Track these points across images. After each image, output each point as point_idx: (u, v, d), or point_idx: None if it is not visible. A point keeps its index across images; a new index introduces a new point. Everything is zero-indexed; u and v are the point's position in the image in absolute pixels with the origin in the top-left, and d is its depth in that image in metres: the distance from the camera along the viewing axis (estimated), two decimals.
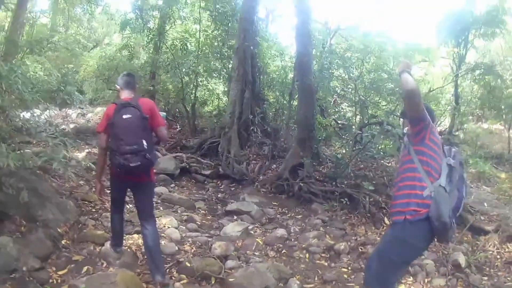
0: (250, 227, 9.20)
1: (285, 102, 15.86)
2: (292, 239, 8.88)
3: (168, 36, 19.96)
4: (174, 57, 18.60)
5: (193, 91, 19.42)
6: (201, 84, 19.97)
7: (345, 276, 7.27)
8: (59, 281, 6.06)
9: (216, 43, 19.03)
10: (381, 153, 11.88)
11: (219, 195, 11.88)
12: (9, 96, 7.18)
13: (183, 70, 18.52)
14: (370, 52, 15.57)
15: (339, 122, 17.07)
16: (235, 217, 9.95)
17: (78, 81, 24.03)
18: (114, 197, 6.28)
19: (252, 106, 14.71)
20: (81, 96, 22.59)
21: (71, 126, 19.10)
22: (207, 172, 13.35)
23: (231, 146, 13.94)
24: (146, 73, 20.70)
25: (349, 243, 8.40)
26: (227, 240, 8.22)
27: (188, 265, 6.90)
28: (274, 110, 15.86)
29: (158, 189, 10.70)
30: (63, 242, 6.98)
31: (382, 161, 12.71)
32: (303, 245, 8.44)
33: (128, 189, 6.16)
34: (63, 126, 17.47)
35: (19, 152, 6.47)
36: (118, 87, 5.93)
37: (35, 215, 7.02)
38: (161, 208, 9.77)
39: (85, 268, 6.43)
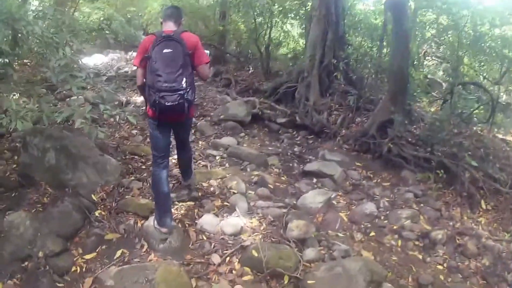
0: (332, 196, 7.26)
1: (373, 48, 13.51)
2: (382, 217, 7.01)
3: None
4: None
5: (267, 32, 17.45)
6: (275, 25, 18.05)
7: (441, 277, 5.65)
8: (83, 269, 4.89)
9: None
10: (475, 118, 10.07)
11: (295, 149, 9.91)
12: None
13: (256, 9, 16.80)
14: None
15: (428, 77, 14.57)
16: (314, 180, 8.06)
17: (143, 25, 24.55)
18: (158, 144, 5.41)
19: (335, 49, 12.41)
20: None
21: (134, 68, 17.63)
22: (282, 121, 11.37)
23: (310, 93, 11.85)
24: (216, 13, 19.60)
25: (446, 231, 6.57)
26: (305, 213, 6.54)
27: (255, 254, 5.12)
28: (359, 56, 13.55)
29: (225, 140, 9.56)
30: (96, 213, 5.78)
31: (474, 128, 10.55)
32: (395, 227, 6.66)
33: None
34: (126, 69, 17.10)
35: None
36: (161, 20, 5.31)
37: (64, 180, 5.96)
38: (227, 164, 8.16)
39: (118, 253, 5.18)
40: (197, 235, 5.70)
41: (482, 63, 13.89)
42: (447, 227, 6.80)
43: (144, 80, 5.07)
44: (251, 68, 18.00)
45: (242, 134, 10.38)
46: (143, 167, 7.34)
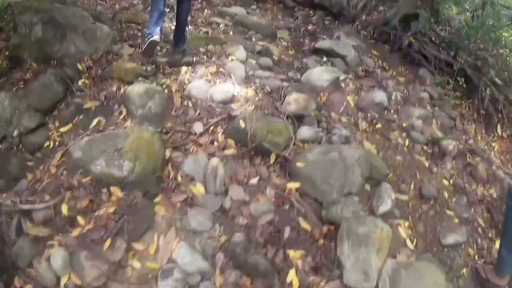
0: (341, 77, 6.33)
1: None
2: (392, 110, 6.25)
3: None
4: None
5: None
6: None
7: (446, 194, 5.11)
8: (56, 143, 4.58)
9: None
10: (503, 41, 9.04)
11: (309, 27, 8.72)
12: None
13: None
14: None
15: None
16: (324, 58, 7.08)
17: None
18: None
19: None
20: None
21: None
22: None
23: None
24: None
25: (457, 143, 5.90)
26: (309, 89, 5.57)
27: (242, 125, 4.31)
28: None
29: (232, 9, 8.37)
30: (79, 82, 5.27)
31: (501, 51, 9.62)
32: (404, 124, 5.98)
33: None
34: None
35: None
36: None
37: (51, 53, 5.41)
38: (231, 32, 7.18)
39: (95, 121, 4.73)
40: (182, 101, 4.95)
41: None
42: (459, 140, 6.13)
43: None
44: None
45: (254, 7, 9.10)
46: (139, 34, 6.40)
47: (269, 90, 5.29)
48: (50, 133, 4.64)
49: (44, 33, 5.37)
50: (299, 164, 4.02)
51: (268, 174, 4.13)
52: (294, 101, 4.89)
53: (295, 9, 9.68)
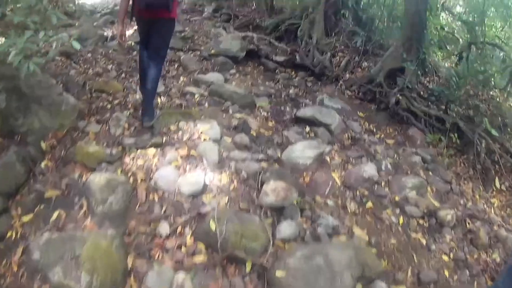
0: (326, 150, 5.78)
1: None
2: (382, 183, 5.61)
3: None
4: None
5: None
6: None
7: (446, 273, 4.54)
8: (18, 235, 3.94)
9: None
10: (492, 82, 8.85)
11: (290, 91, 8.26)
12: None
13: None
14: None
15: (445, 29, 12.87)
16: (307, 128, 6.56)
17: None
18: (141, 39, 5.62)
19: None
20: None
21: None
22: (280, 59, 9.68)
23: (314, 31, 10.20)
24: None
25: (455, 211, 5.37)
26: (290, 169, 5.23)
27: (213, 227, 3.76)
28: None
29: (210, 76, 7.79)
30: (42, 165, 4.67)
31: (491, 93, 9.41)
32: (397, 199, 5.38)
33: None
34: None
35: None
36: None
37: (14, 126, 4.89)
38: (206, 104, 6.62)
39: (55, 214, 4.11)
40: (147, 194, 4.34)
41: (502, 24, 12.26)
42: (457, 206, 5.65)
43: None
44: (254, 5, 16.20)
45: (233, 71, 8.71)
46: (108, 106, 5.92)
47: (245, 177, 4.68)
48: (12, 222, 4.05)
49: (8, 103, 4.82)
50: (278, 273, 3.37)
51: (244, 286, 3.49)
52: (272, 191, 4.27)
53: (276, 71, 9.29)
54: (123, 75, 7.37)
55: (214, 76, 7.73)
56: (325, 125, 6.52)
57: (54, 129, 5.04)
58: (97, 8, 15.27)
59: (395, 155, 6.49)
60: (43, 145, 4.81)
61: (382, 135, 7.25)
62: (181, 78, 7.70)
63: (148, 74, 5.39)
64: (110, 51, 8.57)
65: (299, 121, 6.70)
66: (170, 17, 5.34)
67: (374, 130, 7.39)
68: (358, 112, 7.85)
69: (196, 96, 6.80)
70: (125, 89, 6.59)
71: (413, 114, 7.75)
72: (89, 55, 8.18)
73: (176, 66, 8.41)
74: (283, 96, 7.89)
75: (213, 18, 14.58)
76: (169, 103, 6.39)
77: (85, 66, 7.56)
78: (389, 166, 5.97)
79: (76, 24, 11.41)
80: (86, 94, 6.11)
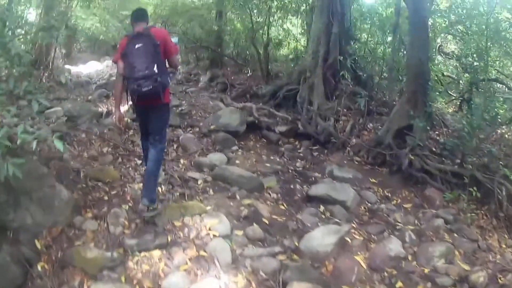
0: (345, 229, 5.37)
1: (385, 41, 11.62)
2: (409, 257, 5.25)
3: None
4: None
5: (266, 31, 15.62)
6: (275, 24, 16.51)
7: None
8: None
9: None
10: (499, 120, 8.23)
11: (297, 164, 7.99)
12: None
13: (253, 5, 15.12)
14: None
15: (445, 74, 12.78)
16: (321, 207, 6.17)
17: None
18: (140, 127, 6.08)
19: (341, 45, 10.60)
20: None
21: None
22: (282, 129, 9.43)
23: (314, 96, 9.96)
24: (212, 12, 17.92)
25: (486, 270, 5.06)
26: (311, 259, 4.82)
27: None
28: (367, 52, 11.74)
29: (212, 157, 7.52)
30: (39, 267, 4.29)
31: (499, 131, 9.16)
32: (426, 271, 5.02)
33: None
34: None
35: None
36: (130, 22, 5.82)
37: (5, 221, 4.57)
38: (211, 191, 6.23)
39: None
40: None
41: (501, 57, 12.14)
42: (486, 263, 5.33)
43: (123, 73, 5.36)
44: (249, 71, 16.29)
45: (235, 148, 8.42)
46: (105, 197, 5.57)
47: (264, 277, 4.25)
48: None
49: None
50: None
51: None
52: None
53: (279, 143, 9.04)
54: (119, 159, 7.04)
55: (216, 157, 7.45)
56: (340, 202, 6.17)
57: (48, 226, 4.71)
58: (92, 79, 15.50)
59: (416, 221, 6.21)
60: (38, 244, 4.50)
61: (399, 200, 6.94)
62: (182, 161, 7.36)
63: (149, 155, 5.53)
64: (105, 131, 8.19)
65: (312, 199, 6.35)
66: (163, 103, 5.49)
67: (390, 195, 7.08)
68: (370, 179, 7.53)
69: (199, 182, 6.46)
70: (122, 177, 6.27)
71: (428, 173, 7.38)
72: (83, 135, 7.83)
73: (175, 147, 8.09)
74: (290, 171, 7.58)
75: (209, 87, 14.56)
76: (171, 193, 6.02)
77: (79, 148, 7.26)
78: (412, 236, 5.66)
79: (70, 98, 11.28)
80: (81, 183, 5.81)
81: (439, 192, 7.05)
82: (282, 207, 6.08)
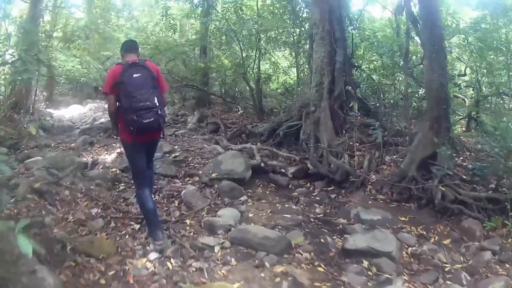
0: (398, 283, 4.78)
1: (395, 65, 11.03)
2: None
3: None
4: (228, 25, 14.61)
5: (256, 65, 15.19)
6: (263, 56, 15.91)
7: None
8: None
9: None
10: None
11: (316, 210, 7.19)
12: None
13: (241, 39, 14.61)
14: None
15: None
16: (364, 262, 5.32)
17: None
18: (138, 166, 5.56)
19: (347, 73, 9.97)
20: None
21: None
22: (291, 171, 8.68)
23: (321, 132, 9.20)
24: (195, 49, 17.80)
25: None
26: None
27: None
28: (370, 78, 11.23)
29: (223, 215, 6.42)
30: None
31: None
32: None
33: None
34: (102, 120, 15.14)
35: None
36: (121, 53, 5.76)
37: None
38: (232, 261, 5.20)
39: None
40: None
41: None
42: None
43: (118, 104, 5.24)
44: (239, 109, 15.69)
45: (244, 198, 7.44)
46: (101, 281, 4.50)
47: None
48: None
49: None
50: None
51: None
52: None
53: (290, 187, 8.30)
54: (112, 223, 5.90)
55: (228, 214, 6.44)
56: (385, 254, 5.32)
57: None
58: (75, 123, 15.16)
59: (462, 258, 5.73)
60: None
61: (436, 237, 6.32)
62: (188, 222, 6.25)
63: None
64: (92, 186, 7.13)
65: (351, 254, 5.49)
66: (161, 137, 5.73)
67: (425, 233, 6.46)
68: (399, 217, 6.83)
69: (216, 250, 5.39)
70: (119, 250, 5.16)
71: (462, 204, 6.76)
72: (67, 192, 6.60)
73: (176, 204, 7.02)
74: (312, 220, 6.75)
75: (199, 129, 13.98)
76: (185, 270, 4.94)
77: (63, 209, 6.04)
78: (467, 276, 5.19)
79: (52, 145, 10.72)
80: (69, 259, 4.68)
81: (477, 221, 6.49)
82: (321, 269, 5.16)
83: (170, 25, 16.12)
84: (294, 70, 16.10)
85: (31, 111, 13.24)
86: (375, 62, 12.06)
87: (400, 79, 10.46)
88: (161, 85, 5.43)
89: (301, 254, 5.43)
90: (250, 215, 6.73)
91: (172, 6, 17.80)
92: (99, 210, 6.37)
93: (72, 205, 6.35)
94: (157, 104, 5.11)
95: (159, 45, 16.53)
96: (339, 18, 10.33)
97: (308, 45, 11.84)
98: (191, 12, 16.29)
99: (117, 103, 5.25)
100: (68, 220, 5.76)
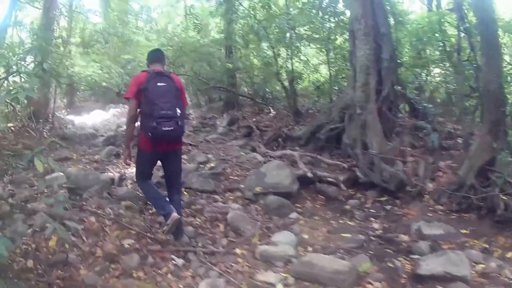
0: None
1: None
2: None
3: None
4: (258, 21, 14.23)
5: (289, 63, 14.72)
6: (295, 53, 15.20)
7: None
8: None
9: None
10: None
11: (374, 226, 6.74)
12: None
13: (271, 37, 14.10)
14: None
15: None
16: None
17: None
18: (143, 171, 5.84)
19: (393, 72, 9.54)
20: None
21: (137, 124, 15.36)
22: (339, 179, 8.25)
23: (370, 136, 8.67)
24: (221, 49, 17.46)
25: None
26: None
27: None
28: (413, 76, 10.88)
29: (277, 241, 5.84)
30: None
31: None
32: None
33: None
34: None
35: None
36: (146, 62, 6.09)
37: None
38: None
39: None
40: None
41: None
42: None
43: (140, 110, 5.48)
44: (271, 110, 15.39)
45: (294, 216, 6.91)
46: None
47: None
48: None
49: None
50: None
51: None
52: None
53: (341, 199, 7.83)
54: (149, 258, 5.21)
55: (283, 239, 5.83)
56: (460, 278, 4.94)
57: None
58: (98, 131, 14.70)
59: None
60: None
61: (499, 251, 5.88)
62: (239, 252, 5.63)
63: (174, 200, 5.74)
64: (121, 210, 6.43)
65: (424, 279, 5.11)
66: (180, 147, 6.02)
67: (488, 246, 5.99)
68: (460, 230, 6.43)
69: None
70: None
71: None
72: (93, 219, 5.93)
73: (222, 228, 6.38)
74: (372, 238, 6.28)
75: (230, 133, 13.62)
76: None
77: (90, 241, 5.40)
78: None
79: (74, 157, 10.16)
80: None
81: None
82: None
83: (194, 24, 15.78)
84: (323, 67, 15.82)
85: (50, 119, 13.01)
86: (418, 60, 11.64)
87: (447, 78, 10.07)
88: (183, 100, 5.75)
89: (372, 284, 5.00)
90: (305, 236, 6.18)
91: (195, 5, 17.61)
92: (133, 241, 5.66)
93: (100, 235, 5.71)
94: (179, 114, 5.34)
95: (183, 46, 16.28)
96: (383, 12, 9.88)
97: (348, 41, 11.34)
98: (216, 10, 15.82)
99: (138, 109, 5.50)
100: (97, 255, 5.14)
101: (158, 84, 5.37)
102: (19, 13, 14.90)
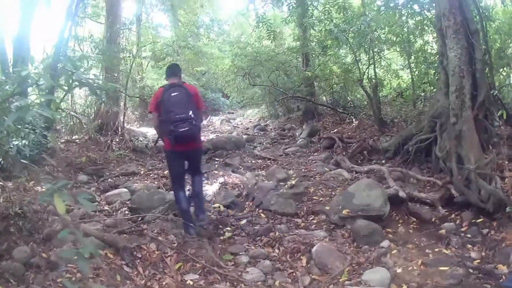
0: None
1: None
2: None
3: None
4: (336, 25, 13.65)
5: (370, 68, 14.44)
6: (378, 58, 14.84)
7: None
8: None
9: None
10: None
11: (472, 255, 5.99)
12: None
13: (352, 40, 13.63)
14: None
15: None
16: None
17: (218, 85, 25.95)
18: (175, 172, 7.03)
19: (490, 74, 8.89)
20: (227, 100, 28.08)
21: (210, 136, 15.85)
22: (433, 198, 7.65)
23: (466, 148, 7.94)
24: (297, 57, 17.45)
25: None
26: None
27: None
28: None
29: (369, 278, 5.37)
30: None
31: None
32: None
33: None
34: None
35: None
36: (165, 77, 7.39)
37: None
38: None
39: None
40: None
41: None
42: None
43: (160, 119, 6.62)
44: (353, 120, 14.92)
45: (386, 244, 6.36)
46: None
47: None
48: None
49: None
50: None
51: None
52: None
53: (435, 221, 7.22)
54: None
55: (376, 278, 5.29)
56: None
57: None
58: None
59: None
60: None
61: None
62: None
63: (195, 182, 7.15)
64: (183, 233, 6.48)
65: None
66: (200, 146, 7.23)
67: None
68: None
69: None
70: None
71: None
72: (153, 246, 5.84)
73: (304, 262, 5.96)
74: (470, 270, 5.58)
75: (310, 145, 13.54)
76: None
77: (146, 273, 5.22)
78: None
79: (142, 172, 10.25)
80: None
81: None
82: None
83: (268, 32, 15.58)
84: (403, 72, 15.60)
85: (119, 132, 13.11)
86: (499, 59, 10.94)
87: None
88: (198, 104, 6.77)
89: None
90: (399, 270, 5.58)
91: (266, 14, 17.53)
92: (197, 277, 5.36)
93: (159, 266, 5.45)
94: (192, 115, 6.40)
95: (257, 56, 16.10)
96: (470, 6, 9.07)
97: (435, 41, 10.77)
98: (289, 16, 15.42)
99: (160, 118, 6.62)
100: None
101: (172, 94, 6.50)
102: (79, 28, 15.42)
